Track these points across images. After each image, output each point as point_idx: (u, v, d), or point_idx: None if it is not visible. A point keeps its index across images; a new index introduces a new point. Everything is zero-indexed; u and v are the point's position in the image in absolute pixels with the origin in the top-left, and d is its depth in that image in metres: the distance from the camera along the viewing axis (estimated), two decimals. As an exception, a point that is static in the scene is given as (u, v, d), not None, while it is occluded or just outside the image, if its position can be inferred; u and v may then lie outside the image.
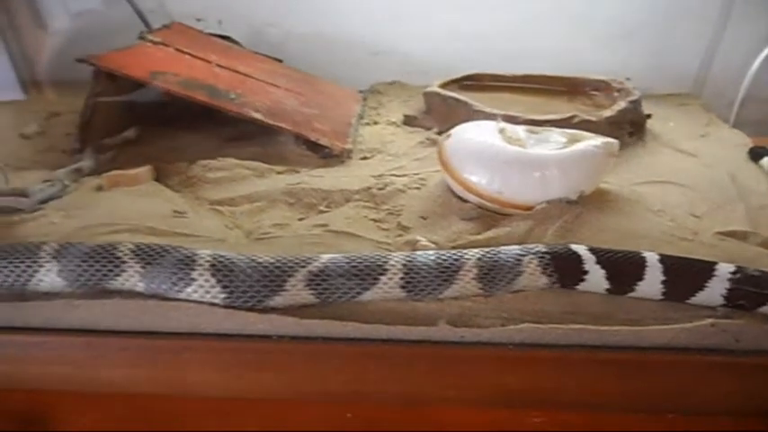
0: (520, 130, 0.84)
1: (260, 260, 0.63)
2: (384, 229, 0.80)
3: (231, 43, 1.22)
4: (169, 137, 1.07)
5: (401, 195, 0.87)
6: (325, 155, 0.98)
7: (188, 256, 0.62)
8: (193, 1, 1.32)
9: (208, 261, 0.62)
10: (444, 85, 1.10)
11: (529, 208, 0.78)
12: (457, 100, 1.01)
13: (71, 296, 0.64)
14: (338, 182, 0.90)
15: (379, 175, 0.92)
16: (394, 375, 0.66)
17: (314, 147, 0.99)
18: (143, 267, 0.62)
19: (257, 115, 0.95)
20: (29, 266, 0.63)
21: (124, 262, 0.62)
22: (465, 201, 0.82)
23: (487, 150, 0.79)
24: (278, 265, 0.63)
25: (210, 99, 0.95)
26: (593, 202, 0.80)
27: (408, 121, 1.10)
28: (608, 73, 1.17)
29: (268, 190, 0.88)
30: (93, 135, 0.98)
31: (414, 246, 0.74)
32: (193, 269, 0.62)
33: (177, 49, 1.05)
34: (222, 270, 0.62)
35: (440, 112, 1.05)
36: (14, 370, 0.67)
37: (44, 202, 0.81)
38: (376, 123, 1.12)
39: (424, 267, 0.63)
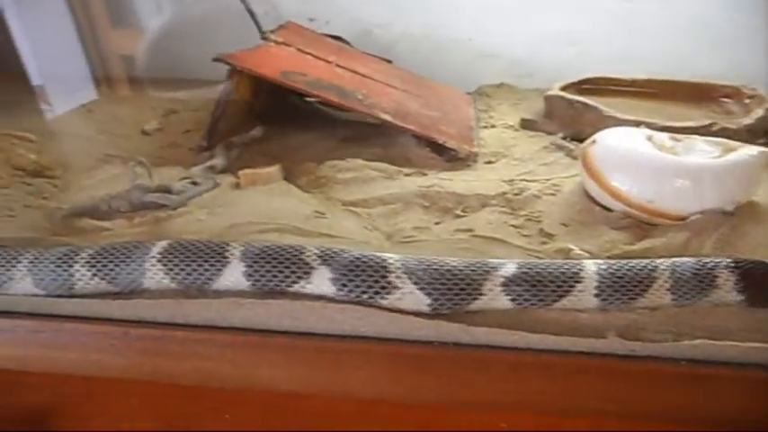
0: (665, 138, 0.82)
1: (452, 264, 0.62)
2: (525, 236, 0.79)
3: (343, 44, 1.22)
4: (285, 136, 1.08)
5: (537, 201, 0.85)
6: (451, 158, 0.97)
7: (379, 261, 0.62)
8: (301, 1, 1.32)
9: (400, 266, 0.62)
10: (563, 89, 1.08)
11: (680, 218, 0.75)
12: (585, 105, 0.99)
13: (237, 295, 0.64)
14: (470, 186, 0.88)
15: (510, 180, 0.90)
16: (555, 387, 0.64)
17: (438, 149, 0.98)
18: (333, 272, 0.62)
19: (386, 116, 0.95)
20: (214, 266, 0.63)
21: (312, 266, 0.62)
22: (608, 209, 0.80)
23: (640, 158, 0.77)
24: (473, 269, 0.62)
25: (341, 99, 0.95)
26: (746, 213, 0.77)
27: (527, 124, 1.08)
28: (716, 77, 1.13)
29: (401, 192, 0.87)
30: (220, 133, 0.99)
31: (567, 254, 0.72)
32: (390, 274, 0.61)
33: (299, 50, 1.06)
34: (420, 275, 0.61)
35: (564, 117, 1.03)
36: (173, 366, 0.68)
37: (191, 198, 0.81)
38: (493, 126, 1.11)
39: (619, 276, 0.62)
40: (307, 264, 0.63)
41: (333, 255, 0.63)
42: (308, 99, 1.21)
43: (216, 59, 0.92)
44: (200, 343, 0.66)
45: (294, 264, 0.62)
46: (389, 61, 1.25)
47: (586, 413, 0.66)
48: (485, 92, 1.28)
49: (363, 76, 1.07)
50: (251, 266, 0.63)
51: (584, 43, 1.31)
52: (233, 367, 0.67)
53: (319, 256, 0.63)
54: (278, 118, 1.12)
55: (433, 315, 0.63)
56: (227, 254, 0.64)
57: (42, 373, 0.71)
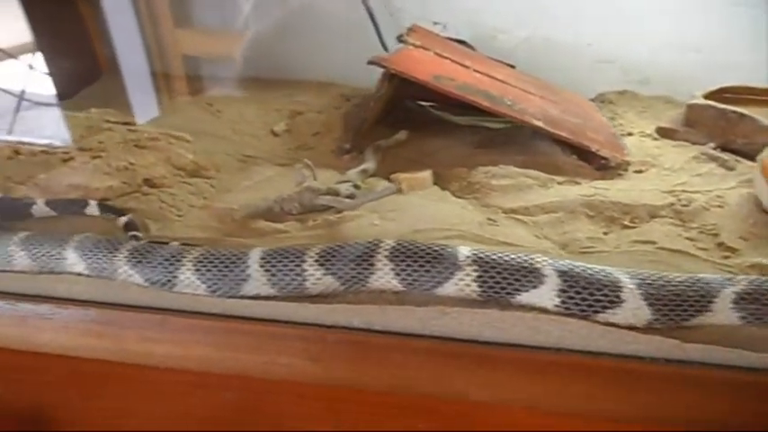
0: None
1: (681, 279, 0.61)
2: (702, 249, 0.77)
3: (468, 48, 1.21)
4: (417, 140, 1.07)
5: (706, 213, 0.83)
6: (601, 166, 0.95)
7: (610, 274, 0.61)
8: (420, 6, 1.31)
9: (633, 282, 0.60)
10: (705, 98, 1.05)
11: None
12: (741, 115, 0.96)
13: (443, 303, 0.63)
14: (631, 195, 0.86)
15: (671, 191, 0.88)
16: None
17: (586, 156, 0.96)
18: (563, 284, 0.61)
19: (539, 123, 0.93)
20: (442, 272, 0.63)
21: (544, 276, 0.61)
22: (788, 223, 0.78)
23: (834, 172, 0.74)
24: (704, 284, 0.61)
25: (492, 105, 0.93)
26: None
27: (667, 133, 1.06)
28: None
29: (562, 201, 0.85)
30: (364, 137, 0.98)
31: (764, 270, 0.70)
32: (621, 289, 0.60)
33: (436, 53, 1.05)
34: (651, 291, 0.60)
35: (712, 127, 1.00)
36: (365, 372, 0.67)
37: (367, 202, 0.81)
38: (630, 134, 1.09)
39: None
40: (536, 272, 0.61)
41: (565, 269, 0.61)
42: (422, 103, 1.21)
43: (371, 62, 0.91)
44: (397, 350, 0.65)
45: (522, 272, 0.61)
46: (513, 66, 1.23)
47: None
48: (608, 99, 1.25)
49: (502, 81, 1.06)
50: (480, 272, 0.62)
51: (704, 50, 1.28)
52: (429, 376, 0.66)
53: (549, 265, 0.61)
54: (402, 122, 1.11)
55: (647, 330, 0.62)
56: (458, 261, 0.62)
57: (226, 375, 0.71)
